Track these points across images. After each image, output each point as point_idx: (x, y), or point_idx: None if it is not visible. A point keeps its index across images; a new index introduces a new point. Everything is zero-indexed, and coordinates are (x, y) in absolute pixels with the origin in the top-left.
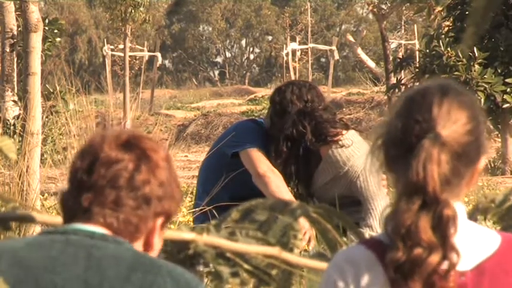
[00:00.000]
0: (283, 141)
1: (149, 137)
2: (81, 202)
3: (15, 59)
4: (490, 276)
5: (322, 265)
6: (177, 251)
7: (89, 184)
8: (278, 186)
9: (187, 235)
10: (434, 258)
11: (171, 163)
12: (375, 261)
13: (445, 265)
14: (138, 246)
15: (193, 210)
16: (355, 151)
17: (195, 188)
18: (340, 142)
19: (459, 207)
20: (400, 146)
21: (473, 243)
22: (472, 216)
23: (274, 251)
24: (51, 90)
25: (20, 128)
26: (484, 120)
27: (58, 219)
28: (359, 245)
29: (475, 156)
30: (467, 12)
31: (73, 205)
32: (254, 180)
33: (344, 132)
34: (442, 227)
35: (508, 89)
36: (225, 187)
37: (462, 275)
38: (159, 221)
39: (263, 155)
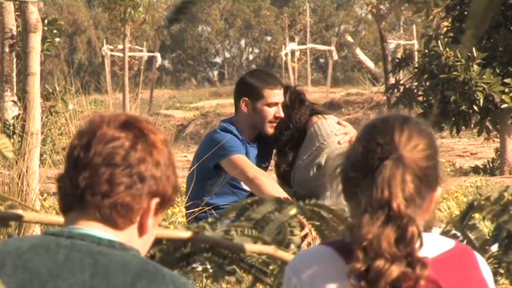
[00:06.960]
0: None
1: (149, 120)
2: (78, 184)
3: (15, 59)
4: (448, 263)
5: None
6: (173, 249)
7: (85, 162)
8: (272, 186)
9: (183, 234)
10: (396, 268)
11: (169, 148)
12: (333, 255)
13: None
14: (133, 230)
15: (192, 210)
16: (334, 131)
17: None
18: (323, 119)
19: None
20: (360, 169)
21: (433, 241)
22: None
23: (270, 249)
24: (51, 91)
25: (19, 128)
26: (439, 154)
27: (57, 219)
28: (319, 244)
29: (434, 182)
30: (466, 13)
31: (70, 190)
32: (246, 185)
33: (326, 116)
34: (407, 240)
35: (507, 89)
36: (217, 195)
37: (424, 258)
38: (154, 201)
39: (246, 158)
